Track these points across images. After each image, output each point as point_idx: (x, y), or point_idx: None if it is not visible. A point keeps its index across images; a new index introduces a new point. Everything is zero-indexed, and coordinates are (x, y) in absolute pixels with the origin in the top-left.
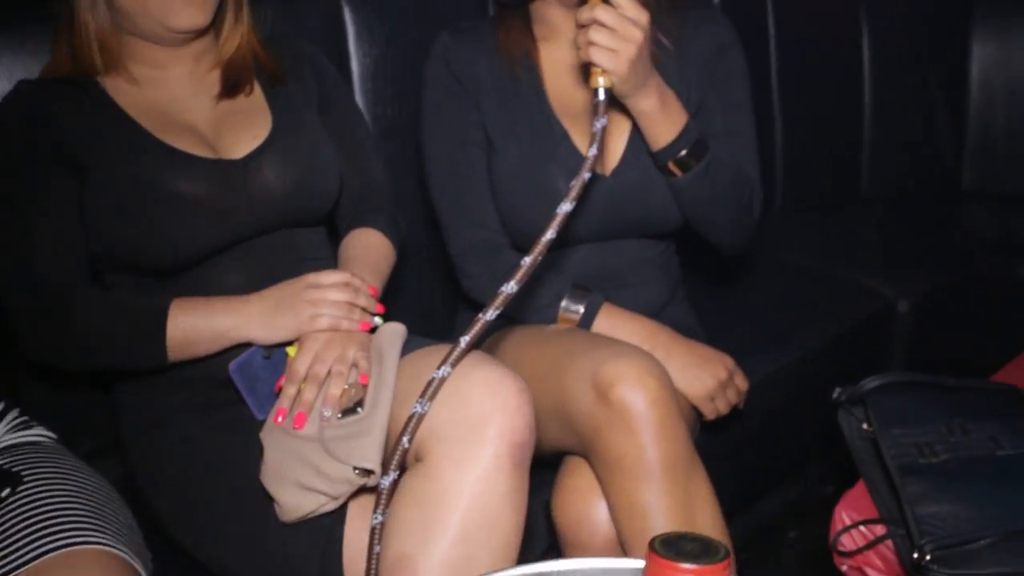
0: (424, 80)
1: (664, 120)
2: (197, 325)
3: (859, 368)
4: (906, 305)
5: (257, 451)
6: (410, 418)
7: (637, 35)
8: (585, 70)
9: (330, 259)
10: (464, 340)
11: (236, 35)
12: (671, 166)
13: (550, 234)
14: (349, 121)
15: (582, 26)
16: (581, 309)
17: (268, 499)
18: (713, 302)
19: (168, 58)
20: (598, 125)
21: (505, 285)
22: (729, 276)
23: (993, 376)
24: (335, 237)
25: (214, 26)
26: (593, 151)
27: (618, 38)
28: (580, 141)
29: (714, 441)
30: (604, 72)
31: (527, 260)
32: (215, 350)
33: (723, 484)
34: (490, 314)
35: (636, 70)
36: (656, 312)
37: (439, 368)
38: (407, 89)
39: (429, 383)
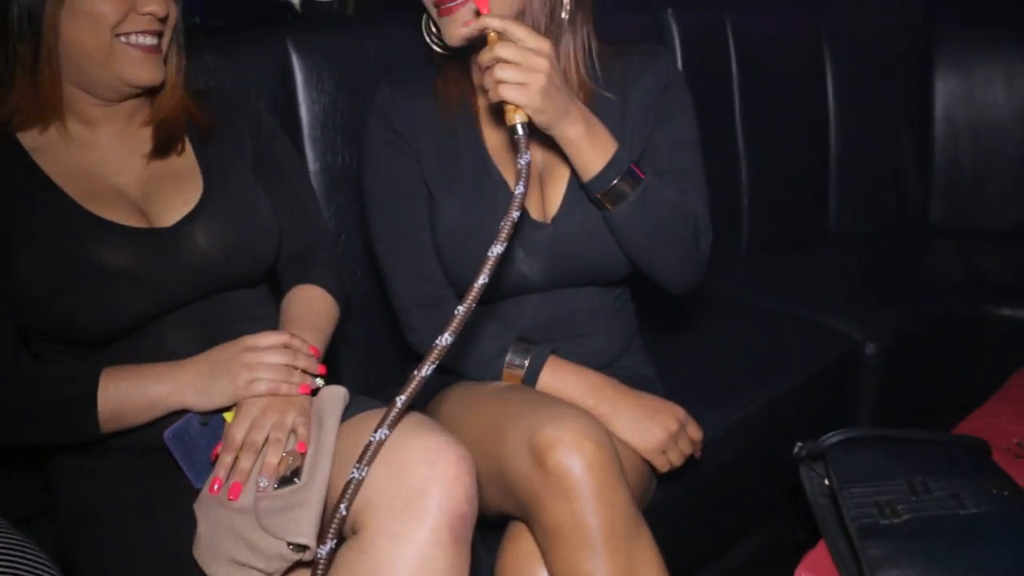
0: (364, 134)
1: (593, 148)
2: (129, 394)
3: (825, 414)
4: (874, 347)
5: (192, 523)
6: (347, 484)
7: (542, 63)
8: (499, 112)
9: (272, 318)
10: (400, 399)
11: (175, 91)
12: (603, 197)
13: (483, 279)
14: (288, 173)
15: (487, 68)
16: (526, 363)
17: (203, 573)
18: (672, 348)
19: (102, 115)
20: (522, 162)
21: (440, 337)
22: (690, 319)
23: (960, 425)
24: (278, 293)
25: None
26: (520, 189)
27: (524, 71)
28: None
29: (676, 492)
30: (518, 108)
31: (461, 308)
32: (150, 419)
33: (685, 536)
34: (426, 369)
35: (551, 98)
36: (611, 362)
37: (376, 431)
38: (357, 137)
39: (367, 447)
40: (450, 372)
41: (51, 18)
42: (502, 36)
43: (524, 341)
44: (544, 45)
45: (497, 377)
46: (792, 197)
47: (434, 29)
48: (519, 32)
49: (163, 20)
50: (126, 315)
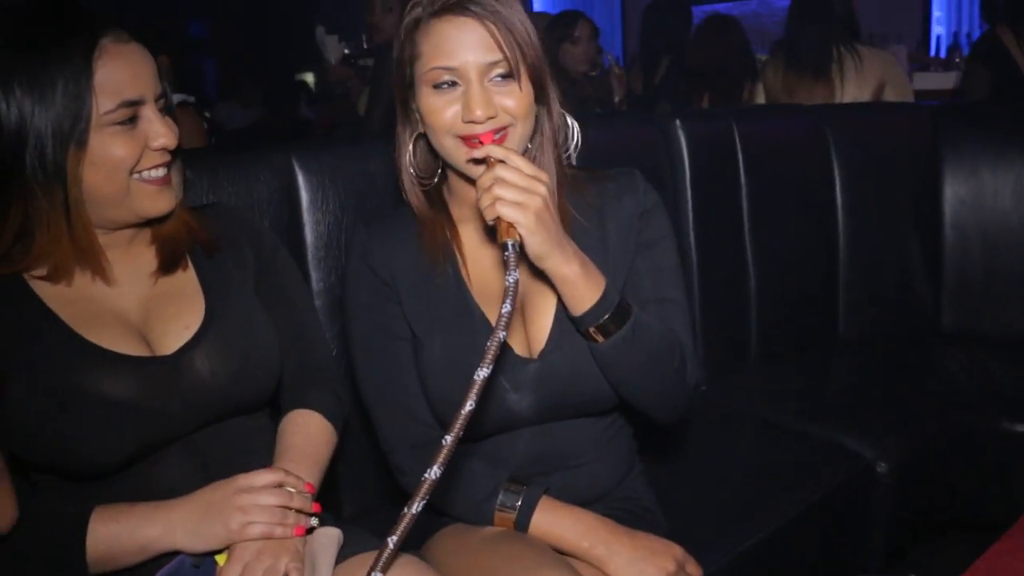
0: (346, 276)
1: (585, 285)
2: (120, 537)
3: (835, 537)
4: (886, 467)
5: None
6: None
7: (540, 188)
8: (492, 233)
9: (272, 448)
10: (392, 540)
11: (174, 217)
12: (593, 332)
13: (469, 405)
14: (290, 291)
15: (485, 189)
16: (517, 505)
17: None
18: (675, 467)
19: (105, 242)
20: (510, 279)
21: (428, 471)
22: (693, 433)
23: (975, 565)
24: (277, 412)
25: None
26: (507, 307)
27: (522, 191)
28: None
29: None
30: (512, 228)
31: (449, 438)
32: (140, 561)
33: None
34: (416, 506)
35: (544, 225)
36: (609, 491)
37: (369, 574)
38: None
39: None
40: (443, 514)
41: (73, 170)
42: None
43: (515, 482)
44: (542, 175)
45: (488, 521)
46: (800, 304)
47: (429, 155)
48: (519, 161)
49: (172, 151)
50: (120, 447)
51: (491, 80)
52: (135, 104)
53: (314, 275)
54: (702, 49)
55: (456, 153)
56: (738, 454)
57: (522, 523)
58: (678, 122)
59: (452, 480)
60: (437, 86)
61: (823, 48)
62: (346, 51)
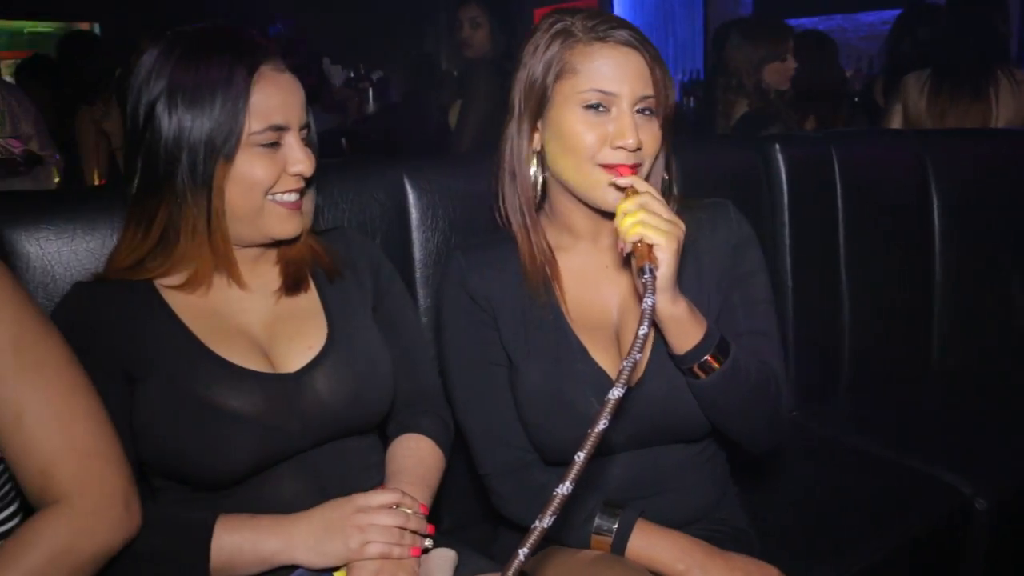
0: (441, 302)
1: (689, 324)
2: (242, 548)
3: (928, 574)
4: (985, 503)
5: None
6: None
7: (681, 229)
8: (626, 261)
9: (383, 466)
10: (522, 552)
11: (302, 240)
12: (695, 369)
13: (602, 424)
14: (403, 319)
15: (625, 214)
16: (614, 528)
17: None
18: (767, 495)
19: (236, 257)
20: (648, 303)
21: (561, 486)
22: (786, 463)
23: None
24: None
25: None
26: (643, 329)
27: (666, 221)
28: (599, 355)
29: None
30: (651, 251)
31: (581, 455)
32: (259, 572)
33: None
34: (547, 520)
35: (677, 258)
36: (703, 515)
37: None
38: None
39: None
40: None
41: (219, 182)
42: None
43: (612, 505)
44: (679, 220)
45: (585, 544)
46: (895, 332)
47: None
48: (658, 204)
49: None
50: (242, 460)
51: (636, 113)
52: (280, 129)
53: (420, 292)
54: (803, 69)
55: (592, 177)
56: (830, 483)
57: (619, 546)
58: (778, 146)
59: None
60: (589, 107)
61: (984, 68)
62: (351, 75)
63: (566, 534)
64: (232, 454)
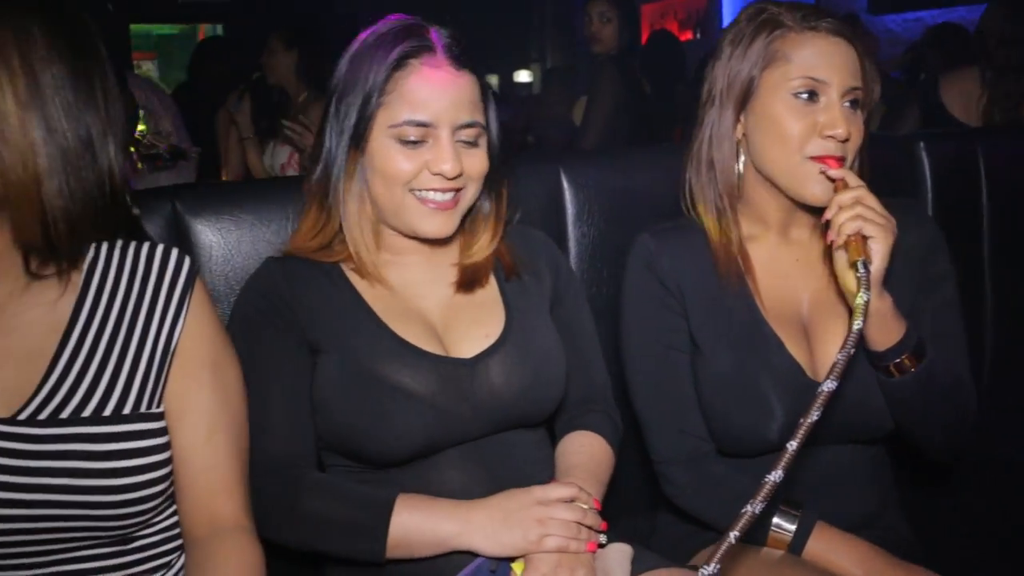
0: (625, 284)
1: (892, 320)
2: (421, 527)
3: None
4: None
5: None
6: None
7: (894, 222)
8: (822, 255)
9: (549, 461)
10: (733, 535)
11: (485, 241)
12: (891, 368)
13: (814, 415)
14: (579, 319)
15: (841, 207)
16: (793, 528)
17: None
18: (929, 507)
19: (409, 246)
20: (863, 299)
21: (772, 473)
22: (947, 478)
23: None
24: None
25: (461, 233)
26: (858, 324)
27: (882, 216)
28: (794, 348)
29: None
30: (865, 246)
31: (793, 444)
32: (433, 554)
33: None
34: (757, 507)
35: (889, 256)
36: (869, 522)
37: (710, 563)
38: (620, 272)
39: None
40: (710, 528)
41: (365, 174)
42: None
43: (789, 503)
44: (891, 216)
45: (761, 541)
46: None
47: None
48: (873, 199)
49: (455, 178)
50: (410, 438)
51: (843, 105)
52: (424, 125)
53: None
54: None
55: (802, 169)
56: (990, 497)
57: (797, 546)
58: (922, 143)
59: (723, 496)
60: (799, 95)
61: None
62: None
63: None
64: (402, 431)
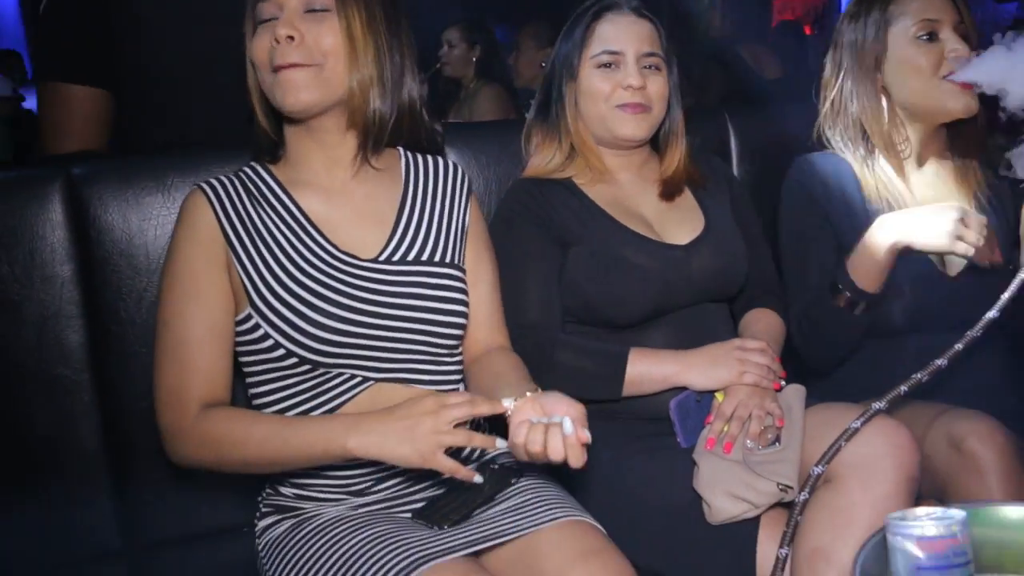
0: (783, 194)
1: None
2: (650, 370)
3: None
4: None
5: (679, 471)
6: (826, 452)
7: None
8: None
9: (731, 330)
10: (903, 388)
11: (675, 158)
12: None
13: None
14: (751, 222)
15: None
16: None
17: (693, 505)
18: None
19: (619, 163)
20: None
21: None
22: None
23: None
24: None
25: (655, 147)
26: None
27: None
28: None
29: None
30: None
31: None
32: (657, 390)
33: None
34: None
35: None
36: None
37: (857, 420)
38: (777, 203)
39: (845, 430)
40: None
41: (573, 96)
42: None
43: None
44: None
45: None
46: None
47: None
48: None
49: (641, 90)
50: (643, 306)
51: None
52: (614, 53)
53: None
54: None
55: (943, 90)
56: None
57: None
58: None
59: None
60: (919, 38)
61: None
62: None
63: None
64: (636, 299)
